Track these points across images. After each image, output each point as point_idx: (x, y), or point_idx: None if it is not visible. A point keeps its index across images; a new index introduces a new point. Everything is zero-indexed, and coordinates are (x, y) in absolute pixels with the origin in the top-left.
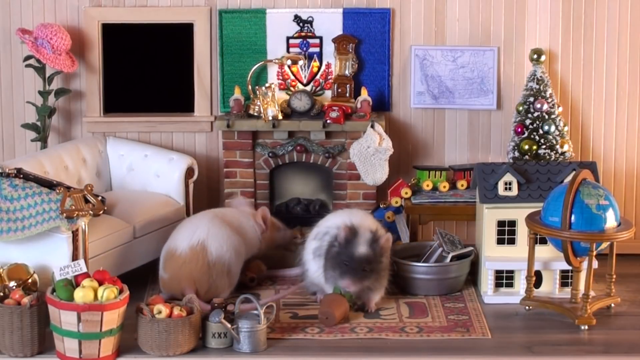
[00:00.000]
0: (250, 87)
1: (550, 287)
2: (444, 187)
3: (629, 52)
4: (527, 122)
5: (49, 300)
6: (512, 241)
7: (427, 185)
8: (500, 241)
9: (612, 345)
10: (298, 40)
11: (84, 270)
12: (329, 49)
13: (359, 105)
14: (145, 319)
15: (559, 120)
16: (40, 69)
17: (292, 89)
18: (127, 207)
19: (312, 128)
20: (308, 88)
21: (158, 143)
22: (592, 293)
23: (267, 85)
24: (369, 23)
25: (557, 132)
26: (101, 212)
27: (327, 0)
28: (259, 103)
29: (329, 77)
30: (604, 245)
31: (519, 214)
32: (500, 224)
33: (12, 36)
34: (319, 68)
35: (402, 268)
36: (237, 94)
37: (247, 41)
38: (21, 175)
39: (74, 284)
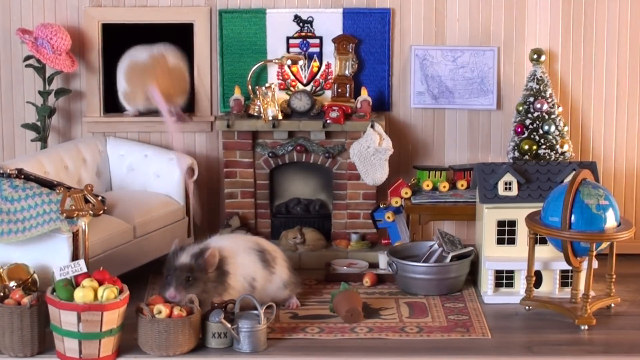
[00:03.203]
0: (250, 87)
1: (550, 287)
2: (444, 187)
3: (629, 52)
4: (527, 122)
5: (49, 300)
6: (512, 241)
7: (427, 185)
8: (500, 241)
9: (612, 345)
10: (298, 40)
11: (84, 270)
12: (329, 49)
13: (359, 105)
14: (145, 319)
15: (559, 120)
16: (40, 69)
17: (292, 89)
18: (127, 207)
19: (312, 128)
20: (308, 88)
21: (158, 143)
22: (592, 293)
23: (267, 85)
24: (369, 23)
25: (557, 132)
26: (101, 212)
27: (327, 0)
28: (259, 103)
29: (329, 77)
30: (604, 245)
31: (519, 214)
32: (500, 224)
33: (12, 36)
34: (319, 68)
35: (402, 268)
36: (237, 94)
37: (247, 41)
38: (22, 176)
39: (74, 284)
